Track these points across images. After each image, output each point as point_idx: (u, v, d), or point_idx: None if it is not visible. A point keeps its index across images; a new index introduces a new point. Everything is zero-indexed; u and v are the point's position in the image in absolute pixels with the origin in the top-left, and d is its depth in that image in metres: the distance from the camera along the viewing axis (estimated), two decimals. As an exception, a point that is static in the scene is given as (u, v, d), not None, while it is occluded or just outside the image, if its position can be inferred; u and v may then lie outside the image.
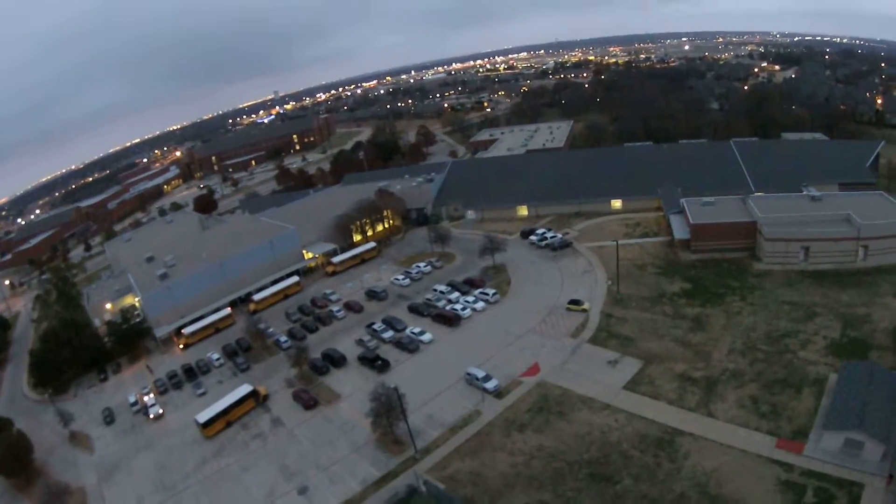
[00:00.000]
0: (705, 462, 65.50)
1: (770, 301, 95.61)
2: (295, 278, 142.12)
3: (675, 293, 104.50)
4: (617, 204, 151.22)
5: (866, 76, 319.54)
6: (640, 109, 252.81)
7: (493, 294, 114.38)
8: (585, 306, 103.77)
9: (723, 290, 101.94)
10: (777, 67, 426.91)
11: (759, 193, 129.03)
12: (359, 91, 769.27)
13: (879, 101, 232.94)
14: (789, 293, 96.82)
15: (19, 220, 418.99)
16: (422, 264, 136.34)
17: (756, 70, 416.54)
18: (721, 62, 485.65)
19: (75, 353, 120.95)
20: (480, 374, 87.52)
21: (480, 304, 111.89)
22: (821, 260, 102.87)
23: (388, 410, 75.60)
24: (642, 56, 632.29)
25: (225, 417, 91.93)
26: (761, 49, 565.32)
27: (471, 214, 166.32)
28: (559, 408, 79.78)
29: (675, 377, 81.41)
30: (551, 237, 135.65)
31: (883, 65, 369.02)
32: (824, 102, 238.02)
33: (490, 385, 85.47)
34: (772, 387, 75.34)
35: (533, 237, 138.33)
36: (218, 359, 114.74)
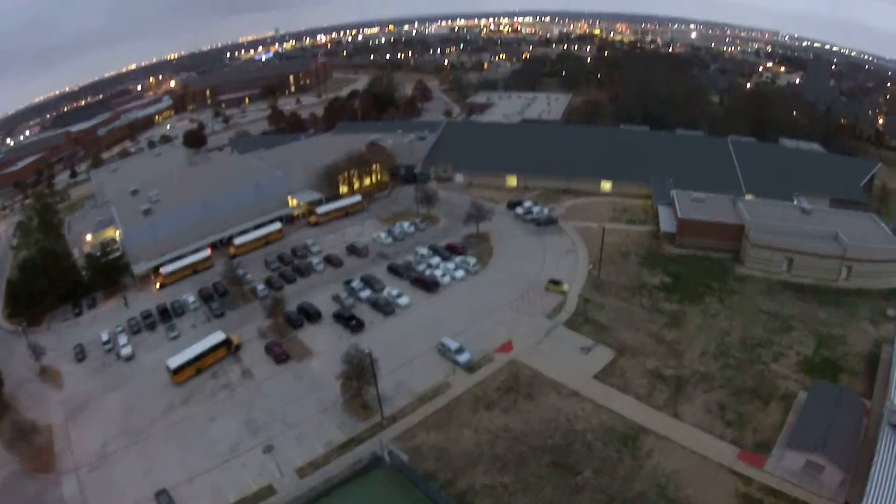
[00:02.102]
0: (667, 463, 65.88)
1: (748, 307, 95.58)
2: (277, 225, 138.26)
3: (655, 286, 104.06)
4: (606, 186, 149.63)
5: (871, 93, 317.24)
6: (640, 91, 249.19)
7: (475, 263, 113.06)
8: (565, 287, 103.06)
9: (702, 290, 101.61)
10: (782, 69, 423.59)
11: (750, 196, 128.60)
12: (360, 37, 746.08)
13: (881, 121, 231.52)
14: (768, 302, 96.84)
15: (8, 140, 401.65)
16: (406, 224, 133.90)
17: (761, 68, 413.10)
18: (726, 55, 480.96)
19: (52, 284, 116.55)
20: (454, 345, 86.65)
21: (460, 273, 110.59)
22: (804, 273, 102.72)
23: (359, 374, 74.48)
24: (648, 38, 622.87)
25: (196, 364, 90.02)
26: (768, 48, 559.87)
27: (459, 178, 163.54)
28: (528, 389, 79.48)
29: (645, 372, 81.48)
30: (538, 212, 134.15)
31: (889, 84, 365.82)
32: (826, 113, 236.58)
33: (462, 358, 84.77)
34: (740, 395, 75.67)
35: (519, 209, 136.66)
36: (193, 301, 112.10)
